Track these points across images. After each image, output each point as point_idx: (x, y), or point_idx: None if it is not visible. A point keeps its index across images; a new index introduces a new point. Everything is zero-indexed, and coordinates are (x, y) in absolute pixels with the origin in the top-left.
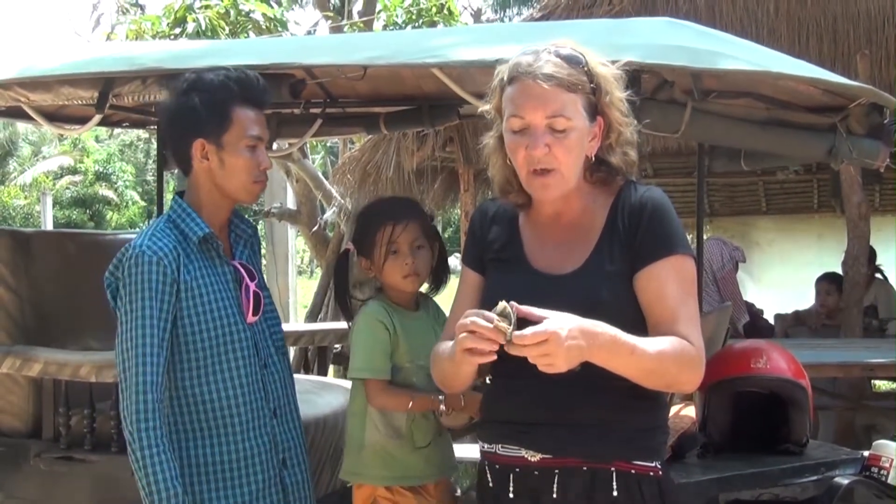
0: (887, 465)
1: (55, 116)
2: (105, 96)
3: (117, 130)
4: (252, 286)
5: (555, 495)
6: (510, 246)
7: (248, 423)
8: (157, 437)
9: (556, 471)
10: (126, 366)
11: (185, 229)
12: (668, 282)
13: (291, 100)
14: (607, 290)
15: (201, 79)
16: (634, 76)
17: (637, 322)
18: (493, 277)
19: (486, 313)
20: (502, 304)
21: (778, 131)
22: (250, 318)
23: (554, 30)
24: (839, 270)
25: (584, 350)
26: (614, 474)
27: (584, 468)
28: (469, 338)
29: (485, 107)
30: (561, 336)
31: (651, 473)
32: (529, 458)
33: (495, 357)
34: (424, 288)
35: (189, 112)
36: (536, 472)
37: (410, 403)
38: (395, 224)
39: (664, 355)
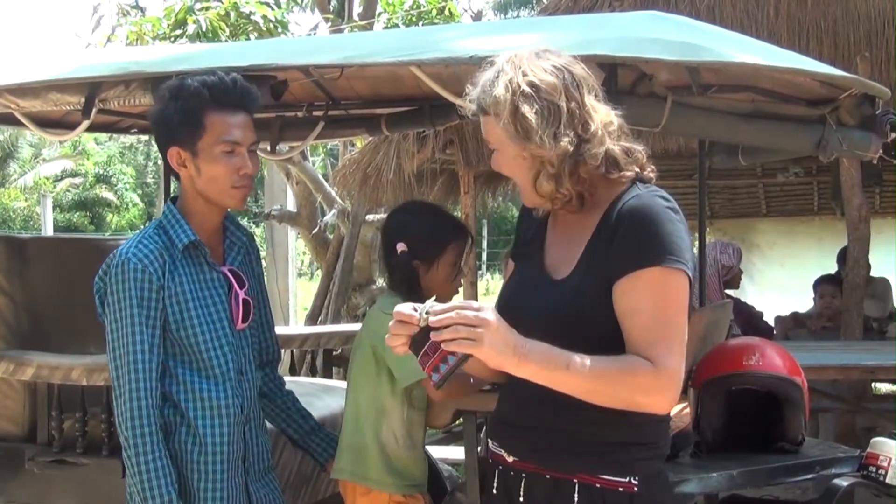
0: (885, 463)
1: (56, 123)
2: (91, 101)
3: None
4: (241, 293)
5: (521, 498)
6: (534, 242)
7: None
8: (153, 443)
9: (524, 475)
10: (119, 373)
11: (173, 235)
12: (640, 297)
13: (273, 102)
14: (584, 303)
15: (179, 85)
16: (611, 70)
17: (614, 337)
18: (513, 272)
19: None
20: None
21: (763, 124)
22: (240, 325)
23: (535, 25)
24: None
25: (510, 347)
26: (577, 486)
27: (547, 476)
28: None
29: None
30: (491, 318)
31: (621, 489)
32: (507, 459)
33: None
34: None
35: (165, 120)
36: (512, 473)
37: (472, 379)
38: (467, 242)
39: (607, 376)
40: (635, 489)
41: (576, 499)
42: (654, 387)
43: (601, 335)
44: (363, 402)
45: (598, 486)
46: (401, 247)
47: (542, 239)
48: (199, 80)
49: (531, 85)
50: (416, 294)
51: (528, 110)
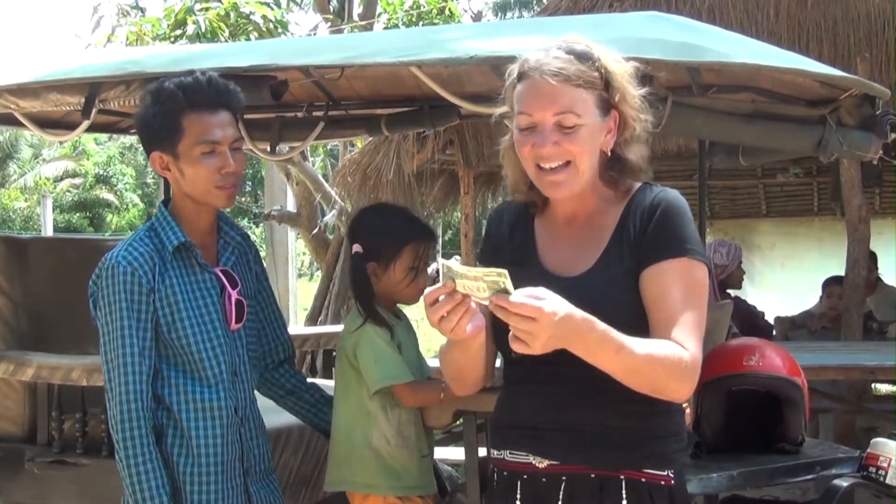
0: (885, 464)
1: (56, 123)
2: (91, 101)
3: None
4: (234, 294)
5: (560, 503)
6: (524, 246)
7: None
8: (144, 446)
9: (564, 478)
10: (110, 376)
11: (164, 237)
12: (670, 284)
13: (273, 102)
14: (614, 294)
15: (159, 89)
16: None
17: (644, 326)
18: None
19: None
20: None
21: (764, 124)
22: (233, 326)
23: (535, 27)
24: (843, 273)
25: (564, 338)
26: (624, 482)
27: (593, 475)
28: (434, 307)
29: (501, 109)
30: (552, 320)
31: (662, 482)
32: (537, 465)
33: (478, 320)
34: None
35: (145, 124)
36: (544, 479)
37: (442, 394)
38: (428, 243)
39: (652, 358)
40: (672, 482)
41: (623, 495)
42: (689, 373)
43: (628, 321)
44: (350, 412)
45: (643, 480)
46: (356, 248)
47: (533, 243)
48: (175, 82)
49: (628, 70)
50: (368, 298)
51: (632, 87)
